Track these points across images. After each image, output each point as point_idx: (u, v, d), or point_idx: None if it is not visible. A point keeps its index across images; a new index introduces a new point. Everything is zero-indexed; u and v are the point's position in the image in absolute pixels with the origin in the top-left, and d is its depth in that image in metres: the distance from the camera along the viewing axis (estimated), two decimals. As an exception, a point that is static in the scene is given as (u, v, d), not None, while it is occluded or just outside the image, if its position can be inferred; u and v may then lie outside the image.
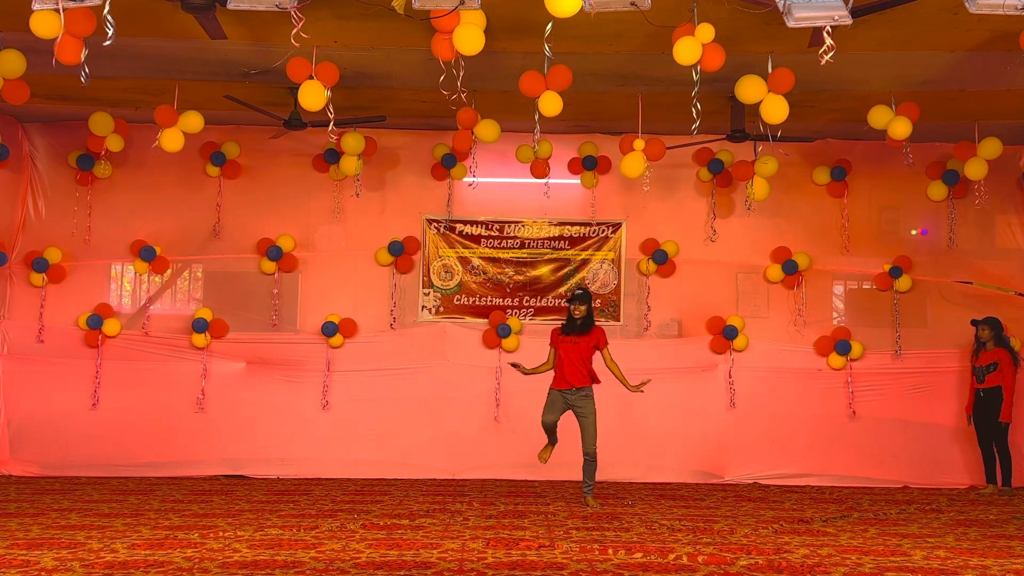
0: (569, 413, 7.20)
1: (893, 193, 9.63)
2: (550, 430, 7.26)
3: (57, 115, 9.09)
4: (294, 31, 5.16)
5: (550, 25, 5.15)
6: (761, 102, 6.72)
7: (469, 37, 5.60)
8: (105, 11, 4.79)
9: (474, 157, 8.79)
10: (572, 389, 7.11)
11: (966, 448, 9.03)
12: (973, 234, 9.62)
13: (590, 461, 7.14)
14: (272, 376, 9.23)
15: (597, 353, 7.26)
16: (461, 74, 6.04)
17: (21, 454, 8.86)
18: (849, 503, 7.72)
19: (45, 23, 5.16)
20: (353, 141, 8.49)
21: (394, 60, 7.36)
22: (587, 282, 9.47)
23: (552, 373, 7.27)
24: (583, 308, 7.22)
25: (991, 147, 8.42)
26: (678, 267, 9.45)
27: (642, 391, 7.18)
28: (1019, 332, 8.97)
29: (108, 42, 4.85)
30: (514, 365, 7.46)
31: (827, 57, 4.97)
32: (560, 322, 7.48)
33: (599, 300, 9.45)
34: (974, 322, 8.77)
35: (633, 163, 7.80)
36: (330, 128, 6.64)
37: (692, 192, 9.61)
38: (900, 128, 7.47)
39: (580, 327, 7.21)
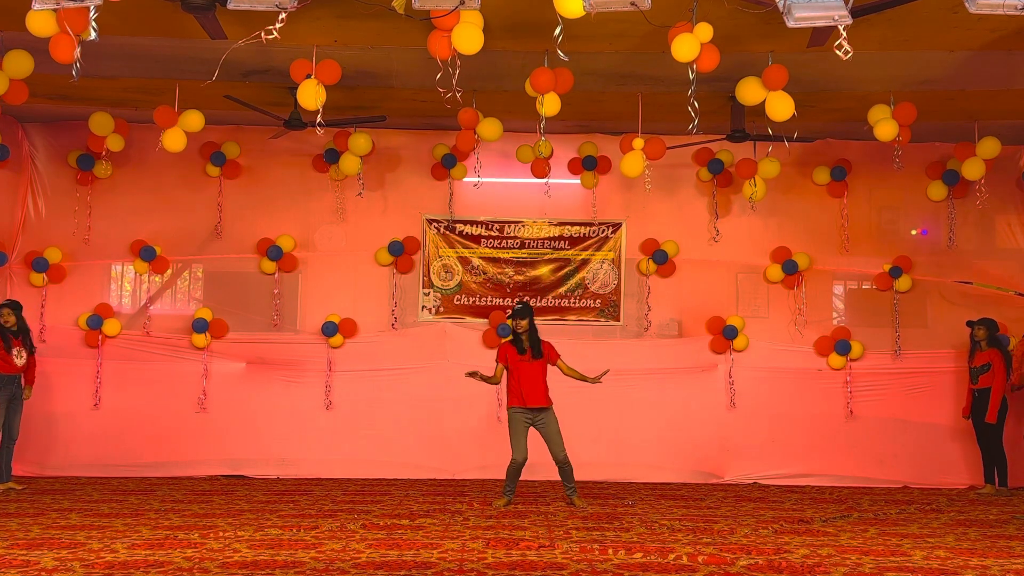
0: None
1: (893, 193, 9.63)
2: (517, 471, 7.13)
3: (57, 115, 9.09)
4: (271, 31, 5.04)
5: (559, 28, 5.12)
6: (763, 101, 6.72)
7: (468, 36, 5.61)
8: (92, 15, 4.79)
9: (478, 157, 8.77)
10: (536, 408, 7.14)
11: (966, 448, 9.03)
12: (973, 234, 9.62)
13: (564, 466, 7.17)
14: (272, 376, 9.23)
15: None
16: (457, 72, 6.02)
17: (21, 454, 8.85)
18: (849, 503, 7.72)
19: (41, 21, 5.16)
20: (363, 140, 8.53)
21: (394, 60, 7.36)
22: (587, 282, 9.47)
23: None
24: (524, 323, 7.21)
25: (989, 147, 8.42)
26: (678, 267, 9.44)
27: (601, 381, 7.22)
28: (1019, 332, 8.97)
29: (93, 37, 4.85)
30: (471, 374, 7.28)
31: (844, 47, 4.88)
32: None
33: (599, 300, 9.45)
34: (970, 323, 8.78)
35: (632, 162, 7.81)
36: (317, 121, 6.57)
37: (692, 192, 9.61)
38: (887, 129, 7.50)
39: (530, 347, 7.20)
